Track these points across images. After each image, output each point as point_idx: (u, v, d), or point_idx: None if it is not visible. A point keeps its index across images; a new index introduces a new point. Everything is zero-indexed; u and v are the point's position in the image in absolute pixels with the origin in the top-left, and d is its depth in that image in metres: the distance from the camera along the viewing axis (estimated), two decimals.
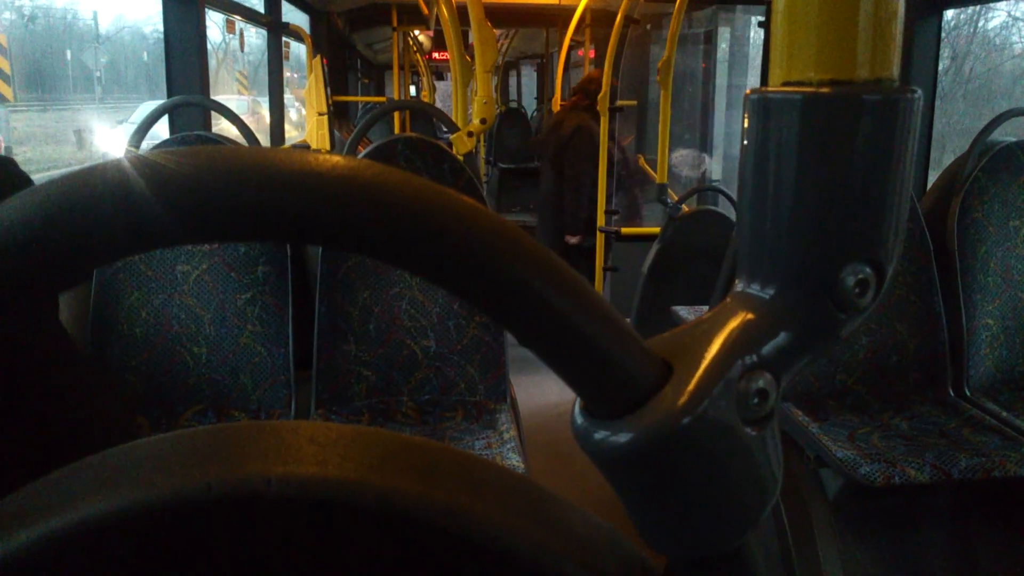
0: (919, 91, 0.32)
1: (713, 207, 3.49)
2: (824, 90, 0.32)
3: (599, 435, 0.29)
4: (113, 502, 0.27)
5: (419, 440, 0.31)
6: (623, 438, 0.28)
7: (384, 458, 0.29)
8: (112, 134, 11.06)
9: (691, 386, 0.29)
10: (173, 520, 0.27)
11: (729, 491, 0.30)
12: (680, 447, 0.28)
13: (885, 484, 1.73)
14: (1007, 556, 2.02)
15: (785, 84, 0.33)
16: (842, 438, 1.90)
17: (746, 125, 0.34)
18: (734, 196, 3.30)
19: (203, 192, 0.23)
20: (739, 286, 0.35)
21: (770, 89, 0.33)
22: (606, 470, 0.30)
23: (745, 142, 0.34)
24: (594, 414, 0.29)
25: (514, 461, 1.76)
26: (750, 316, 0.32)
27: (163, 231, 0.24)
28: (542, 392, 3.57)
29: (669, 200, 3.43)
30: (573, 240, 4.23)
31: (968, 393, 2.14)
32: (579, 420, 0.30)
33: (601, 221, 4.04)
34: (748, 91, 0.34)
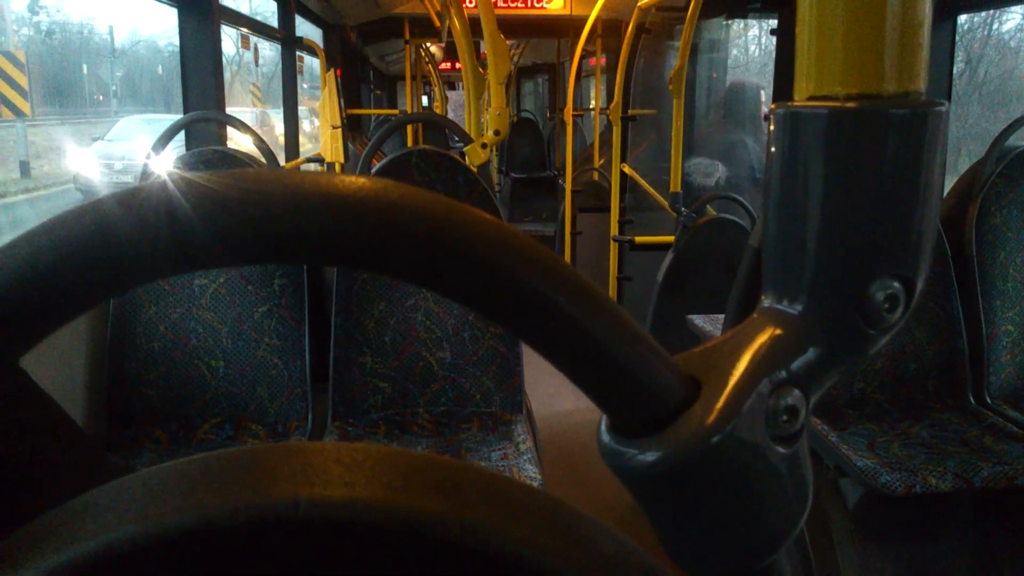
0: (947, 104, 0.32)
1: (727, 215, 3.47)
2: (850, 104, 0.32)
3: (627, 454, 0.29)
4: (139, 528, 0.27)
5: (444, 459, 0.31)
6: (651, 457, 0.28)
7: (410, 478, 0.29)
8: (82, 153, 10.68)
9: (720, 404, 0.28)
10: (200, 545, 0.27)
11: (759, 510, 0.30)
12: (709, 466, 0.28)
13: (906, 493, 1.71)
14: None
15: (811, 98, 0.33)
16: (862, 447, 1.89)
17: (772, 140, 0.34)
18: (747, 204, 3.29)
19: (249, 217, 0.24)
20: (766, 301, 0.34)
21: (796, 104, 0.33)
22: (633, 488, 0.30)
23: (771, 157, 0.34)
24: (621, 432, 0.29)
25: (531, 472, 1.75)
26: (778, 332, 0.32)
27: (205, 254, 0.24)
28: (557, 402, 3.57)
29: (683, 209, 3.42)
30: None
31: (989, 400, 2.11)
32: (606, 438, 0.30)
33: (615, 230, 4.03)
34: (773, 105, 0.34)
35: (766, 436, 0.29)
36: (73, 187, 10.12)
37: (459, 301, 0.26)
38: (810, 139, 0.32)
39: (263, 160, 2.51)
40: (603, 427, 0.30)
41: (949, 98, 2.41)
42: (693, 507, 0.29)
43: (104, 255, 0.24)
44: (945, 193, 2.36)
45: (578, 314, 0.26)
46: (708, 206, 3.67)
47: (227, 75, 2.76)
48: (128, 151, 10.04)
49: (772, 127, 0.34)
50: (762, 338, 0.32)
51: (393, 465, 0.29)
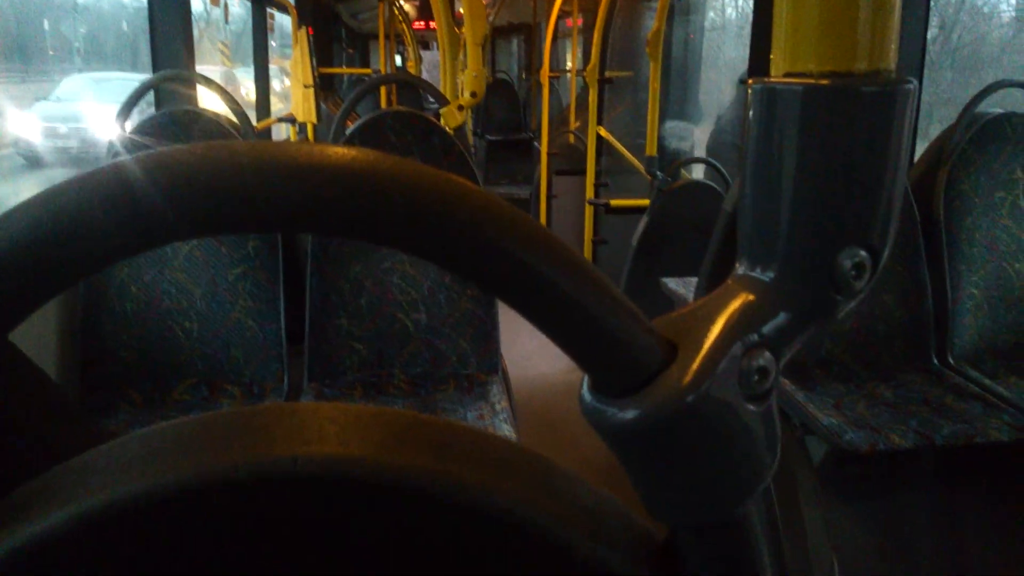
0: (915, 82, 0.33)
1: (701, 179, 3.50)
2: (824, 81, 0.33)
3: (608, 412, 0.30)
4: (143, 483, 0.28)
5: (433, 419, 0.32)
6: (630, 415, 0.29)
7: (401, 436, 0.30)
8: (24, 116, 9.63)
9: (695, 365, 0.30)
10: (202, 500, 0.28)
11: (731, 463, 0.31)
12: (685, 423, 0.30)
13: (870, 450, 1.77)
14: (988, 519, 2.07)
15: (787, 75, 0.34)
16: (828, 406, 1.94)
17: (749, 114, 0.35)
18: (722, 168, 3.31)
19: (230, 189, 0.24)
20: (740, 269, 0.36)
21: (772, 80, 0.34)
22: (614, 445, 0.31)
23: (747, 130, 0.35)
24: (602, 392, 0.31)
25: (506, 431, 1.78)
26: (751, 298, 0.34)
27: (174, 228, 0.25)
28: (531, 364, 3.60)
29: (658, 173, 3.43)
30: None
31: (952, 362, 2.17)
32: (588, 398, 0.31)
33: (590, 194, 4.04)
34: (751, 80, 0.35)
35: (739, 395, 0.31)
36: (14, 151, 9.33)
37: (447, 268, 0.27)
38: (785, 114, 0.33)
39: (235, 120, 2.47)
40: (585, 387, 0.31)
41: (923, 66, 2.43)
42: (670, 461, 0.30)
43: (98, 226, 0.25)
44: (915, 159, 2.40)
45: (564, 284, 0.27)
46: (682, 170, 3.69)
47: (195, 33, 2.69)
48: (74, 113, 9.28)
49: (750, 102, 0.35)
50: (735, 303, 0.33)
51: (385, 424, 0.30)
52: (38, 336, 1.84)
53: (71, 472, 0.29)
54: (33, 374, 0.48)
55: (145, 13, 2.57)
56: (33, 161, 9.23)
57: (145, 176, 0.25)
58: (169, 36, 2.52)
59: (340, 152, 0.25)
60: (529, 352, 3.67)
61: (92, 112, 9.15)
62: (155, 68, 2.60)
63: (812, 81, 0.33)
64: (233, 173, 0.24)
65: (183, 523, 0.28)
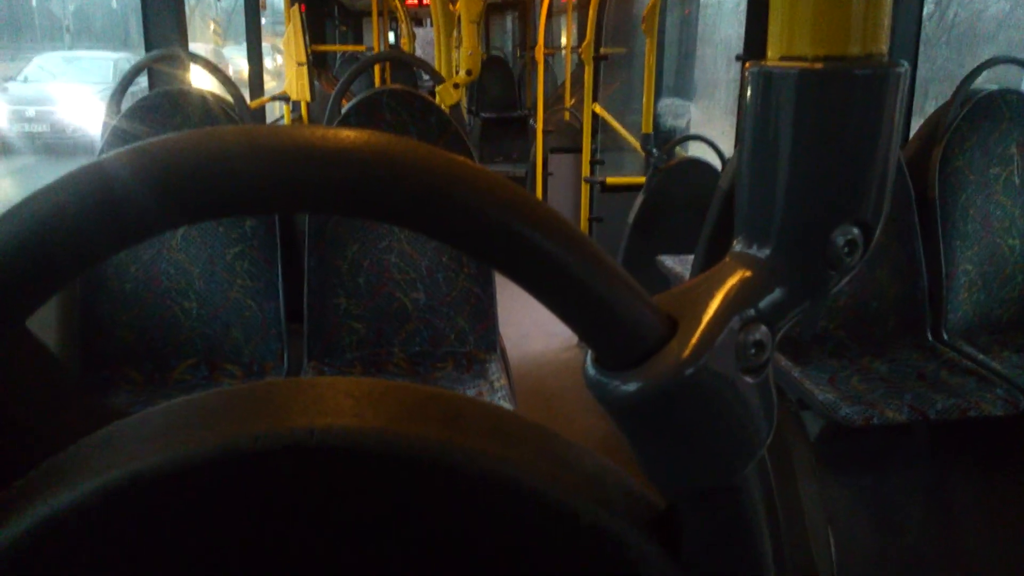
0: (906, 65, 0.34)
1: (697, 156, 3.49)
2: (818, 65, 0.34)
3: (610, 385, 0.31)
4: (166, 455, 0.29)
5: (444, 392, 0.34)
6: (632, 387, 0.31)
7: (413, 409, 0.32)
8: None
9: (695, 339, 0.31)
10: (223, 471, 0.29)
11: (728, 432, 0.33)
12: (685, 395, 0.31)
13: (864, 425, 1.79)
14: (981, 492, 2.10)
15: (783, 58, 0.35)
16: (823, 381, 1.96)
17: (747, 96, 0.36)
18: (717, 145, 3.31)
19: (244, 171, 0.25)
20: (737, 246, 0.37)
21: (769, 63, 0.35)
22: (616, 416, 0.32)
23: (745, 112, 0.36)
24: (605, 366, 0.32)
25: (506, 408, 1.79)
26: (748, 274, 0.35)
27: (186, 213, 0.26)
28: (528, 343, 3.62)
29: (654, 150, 3.43)
30: None
31: (946, 337, 2.20)
32: (591, 371, 0.32)
33: (586, 171, 4.04)
34: (748, 64, 0.36)
35: (736, 368, 0.32)
36: None
37: (456, 247, 0.28)
38: (781, 96, 0.34)
39: (229, 99, 2.46)
40: (588, 361, 0.32)
41: (918, 42, 2.42)
42: (669, 431, 0.32)
43: (109, 215, 0.26)
44: (910, 136, 2.40)
45: (569, 261, 0.28)
46: (678, 147, 3.69)
47: (186, 10, 2.67)
48: (43, 95, 8.68)
49: (747, 84, 0.36)
50: (733, 280, 0.34)
51: (398, 397, 0.32)
52: (38, 317, 1.84)
53: (95, 445, 0.31)
54: (45, 357, 0.49)
55: None
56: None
57: (159, 161, 0.25)
58: (161, 14, 2.50)
59: (351, 135, 0.26)
60: (526, 331, 3.69)
61: (64, 94, 8.66)
62: (147, 47, 2.58)
63: (807, 65, 0.34)
64: (250, 157, 0.25)
65: (206, 493, 0.29)
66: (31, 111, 8.63)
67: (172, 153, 0.25)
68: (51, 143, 8.53)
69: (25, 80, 9.27)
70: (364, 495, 0.30)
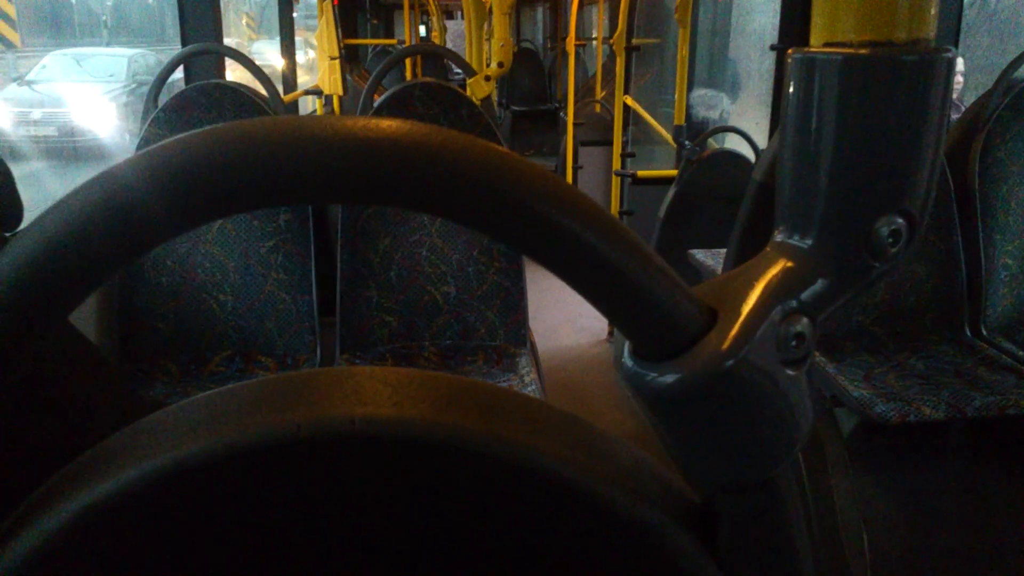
0: (954, 50, 0.34)
1: (731, 149, 3.45)
2: (863, 51, 0.33)
3: (648, 376, 0.31)
4: (210, 443, 0.29)
5: (481, 383, 0.34)
6: (670, 379, 0.30)
7: (451, 399, 0.32)
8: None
9: (735, 331, 0.31)
10: (265, 459, 0.29)
11: (768, 426, 0.32)
12: (724, 388, 0.30)
13: (900, 422, 1.76)
14: (1020, 492, 2.06)
15: (826, 44, 0.35)
16: (858, 378, 1.93)
17: (789, 83, 0.35)
18: (751, 137, 3.27)
19: (289, 160, 0.25)
20: (778, 236, 0.37)
21: (812, 49, 0.34)
22: (653, 409, 0.32)
23: (786, 99, 0.36)
24: (643, 357, 0.31)
25: None
26: (789, 264, 0.34)
27: (227, 204, 0.26)
28: (557, 337, 3.62)
29: (686, 142, 3.39)
30: None
31: (985, 333, 2.15)
32: (628, 363, 0.32)
33: (617, 164, 4.02)
34: (790, 51, 0.35)
35: (776, 360, 0.32)
36: None
37: (495, 237, 0.28)
38: (824, 83, 0.34)
39: (264, 93, 2.49)
40: (626, 352, 0.32)
41: (959, 31, 2.37)
42: (708, 424, 0.31)
43: (154, 207, 0.26)
44: (950, 126, 2.35)
45: (610, 250, 0.28)
46: (710, 139, 3.65)
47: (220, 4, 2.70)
48: (51, 96, 8.10)
49: (790, 71, 0.35)
50: (774, 270, 0.34)
51: (436, 387, 0.32)
52: (78, 310, 1.89)
53: (139, 434, 0.31)
54: (87, 349, 0.50)
55: None
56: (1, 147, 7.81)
57: (201, 153, 0.26)
58: (197, 9, 2.53)
59: (391, 125, 0.26)
60: (555, 325, 3.69)
61: (74, 95, 8.10)
62: (184, 42, 2.61)
63: (851, 51, 0.33)
64: (292, 146, 0.25)
65: (248, 480, 0.30)
66: (37, 112, 8.07)
67: (212, 145, 0.25)
68: (57, 147, 8.00)
69: (34, 81, 8.64)
70: (403, 484, 0.31)
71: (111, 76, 8.54)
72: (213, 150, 0.25)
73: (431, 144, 0.26)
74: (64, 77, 8.64)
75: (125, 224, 0.26)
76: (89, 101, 8.25)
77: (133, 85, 8.38)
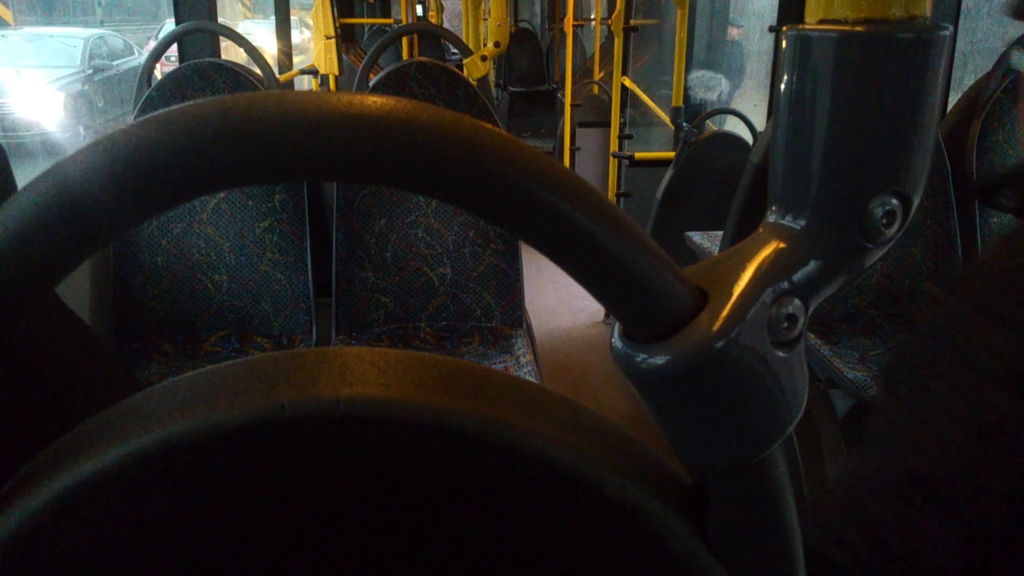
0: (950, 28, 0.33)
1: (728, 130, 3.44)
2: (859, 28, 0.33)
3: (638, 358, 0.31)
4: (194, 423, 0.29)
5: (469, 363, 0.33)
6: (661, 360, 0.30)
7: (439, 380, 0.31)
8: None
9: (725, 312, 0.30)
10: (250, 439, 0.29)
11: (759, 407, 0.32)
12: (715, 368, 0.30)
13: None
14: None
15: (822, 22, 0.34)
16: (853, 360, 1.94)
17: (783, 61, 0.35)
18: (748, 119, 3.25)
19: (284, 136, 0.25)
20: (771, 217, 0.36)
21: (807, 27, 0.34)
22: (643, 390, 0.32)
23: (780, 77, 0.35)
24: (633, 338, 0.31)
25: None
26: (782, 245, 0.34)
27: (215, 179, 0.25)
28: (554, 318, 3.62)
29: (684, 124, 3.38)
30: None
31: None
32: (618, 344, 0.32)
33: (614, 146, 4.00)
34: (784, 28, 0.35)
35: (767, 342, 0.32)
36: None
37: (485, 218, 0.27)
38: (819, 61, 0.33)
39: (258, 72, 2.47)
40: (616, 334, 0.32)
41: (958, 14, 2.35)
42: (698, 405, 0.31)
43: (138, 181, 0.25)
44: (948, 110, 2.34)
45: (599, 231, 0.27)
46: (708, 121, 3.63)
47: None
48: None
49: (784, 49, 0.35)
50: (766, 251, 0.33)
51: (424, 368, 0.31)
52: (72, 289, 1.88)
53: (122, 413, 0.31)
54: (75, 325, 0.50)
55: None
56: None
57: (184, 126, 0.25)
58: None
59: (376, 101, 0.26)
60: (551, 306, 3.69)
61: (23, 77, 7.07)
62: (178, 20, 2.59)
63: (847, 28, 0.33)
64: (280, 122, 0.25)
65: (232, 461, 0.30)
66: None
67: (197, 119, 0.25)
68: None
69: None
70: (390, 465, 0.30)
71: (63, 60, 7.27)
72: (186, 126, 0.25)
73: (410, 119, 0.25)
74: (9, 61, 7.55)
75: (107, 197, 0.25)
76: (35, 90, 7.04)
77: (89, 71, 7.30)
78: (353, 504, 0.31)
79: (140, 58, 6.73)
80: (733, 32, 5.65)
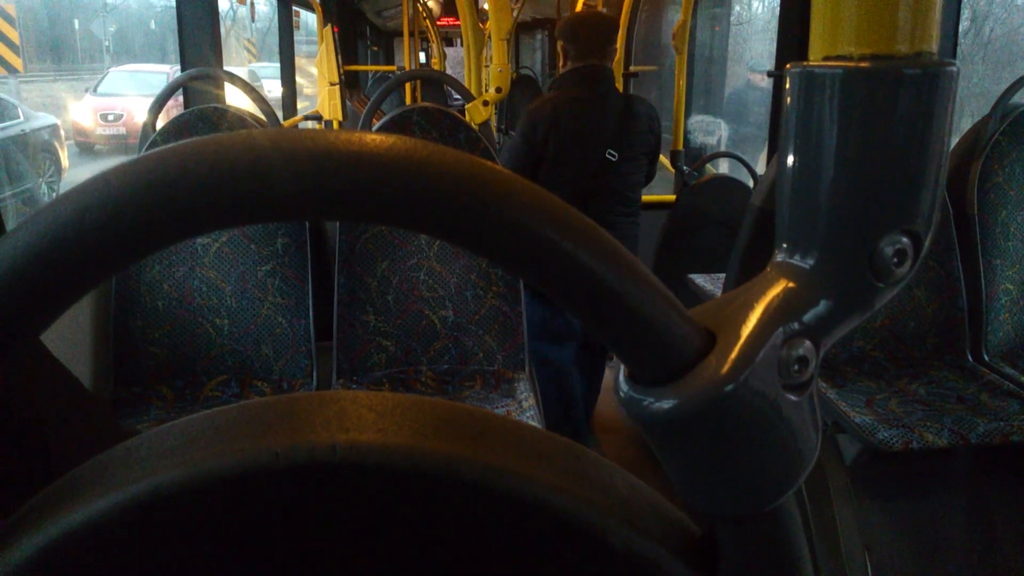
0: (957, 64, 0.33)
1: (728, 174, 3.46)
2: (864, 64, 0.32)
3: (644, 401, 0.30)
4: (186, 471, 0.28)
5: (469, 408, 0.32)
6: (667, 404, 0.29)
7: (438, 425, 0.30)
8: (77, 106, 10.14)
9: (734, 354, 0.29)
10: (244, 487, 0.28)
11: (770, 454, 0.31)
12: (724, 413, 0.29)
13: (903, 449, 1.74)
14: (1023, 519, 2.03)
15: (826, 58, 0.33)
16: (860, 404, 1.91)
17: (787, 98, 0.34)
18: (749, 162, 3.28)
19: (289, 174, 0.24)
20: (779, 256, 0.35)
21: (811, 63, 0.33)
22: (651, 435, 0.31)
23: (785, 115, 0.35)
24: (640, 381, 0.30)
25: None
26: (791, 285, 0.33)
27: (210, 218, 0.25)
28: None
29: (684, 167, 3.40)
30: None
31: (986, 358, 2.13)
32: (624, 387, 0.31)
33: None
34: (789, 65, 0.34)
35: (778, 385, 0.30)
36: (73, 141, 9.72)
37: (491, 259, 0.26)
38: (825, 98, 0.33)
39: (263, 118, 2.49)
40: (621, 377, 0.31)
41: (954, 58, 2.38)
42: (708, 451, 0.30)
43: (129, 222, 0.25)
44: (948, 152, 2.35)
45: (603, 272, 0.26)
46: (708, 165, 3.66)
47: (222, 31, 2.72)
48: (117, 103, 9.92)
49: (787, 86, 0.34)
50: (775, 291, 0.33)
51: (421, 413, 0.30)
52: (72, 334, 1.87)
53: (112, 461, 0.30)
54: (61, 374, 0.49)
55: (173, 12, 2.60)
56: (85, 147, 9.50)
57: (182, 165, 0.24)
58: (197, 34, 2.55)
59: (376, 139, 0.25)
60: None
61: (130, 100, 9.59)
62: (183, 66, 2.63)
63: (852, 64, 0.32)
64: (275, 160, 0.24)
65: (225, 509, 0.28)
66: (112, 116, 9.83)
67: (193, 157, 0.24)
68: (129, 144, 9.30)
69: (101, 93, 10.27)
70: (387, 513, 0.29)
71: (156, 89, 9.67)
72: (183, 166, 0.24)
73: (415, 158, 0.25)
74: (122, 89, 10.21)
75: (96, 240, 0.24)
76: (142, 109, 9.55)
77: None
78: (350, 554, 0.30)
79: (27, 123, 7.64)
80: (755, 78, 5.70)
